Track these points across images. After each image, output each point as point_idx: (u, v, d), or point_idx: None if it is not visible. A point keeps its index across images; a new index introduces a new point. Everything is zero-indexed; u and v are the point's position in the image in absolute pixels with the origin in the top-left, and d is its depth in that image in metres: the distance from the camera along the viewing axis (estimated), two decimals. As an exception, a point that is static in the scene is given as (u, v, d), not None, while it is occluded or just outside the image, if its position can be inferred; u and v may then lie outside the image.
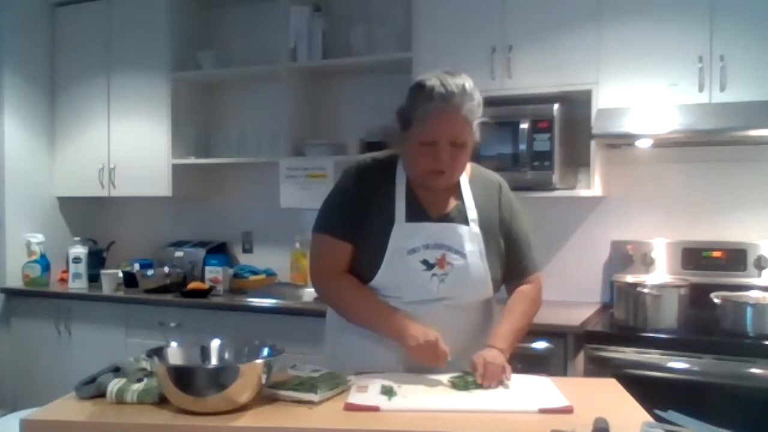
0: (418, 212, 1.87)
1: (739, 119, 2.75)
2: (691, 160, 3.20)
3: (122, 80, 4.09)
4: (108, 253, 4.31)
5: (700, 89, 2.85)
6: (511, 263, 1.95)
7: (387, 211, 1.86)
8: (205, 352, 1.68)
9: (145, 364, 1.64)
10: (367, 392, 1.62)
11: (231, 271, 3.84)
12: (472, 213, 1.89)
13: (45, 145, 4.28)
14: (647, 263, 3.17)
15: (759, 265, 2.99)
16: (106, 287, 3.86)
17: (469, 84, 1.79)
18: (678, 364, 2.58)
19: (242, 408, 1.51)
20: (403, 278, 1.83)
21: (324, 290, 1.95)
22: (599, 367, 2.66)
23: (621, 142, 3.12)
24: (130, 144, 4.07)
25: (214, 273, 3.74)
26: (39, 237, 4.10)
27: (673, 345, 2.61)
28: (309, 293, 3.61)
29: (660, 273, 3.12)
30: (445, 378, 1.73)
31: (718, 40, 2.83)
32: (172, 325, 3.51)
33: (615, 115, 2.95)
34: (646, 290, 2.76)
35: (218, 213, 4.23)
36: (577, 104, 3.16)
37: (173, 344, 1.66)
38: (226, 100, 4.22)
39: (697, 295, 2.81)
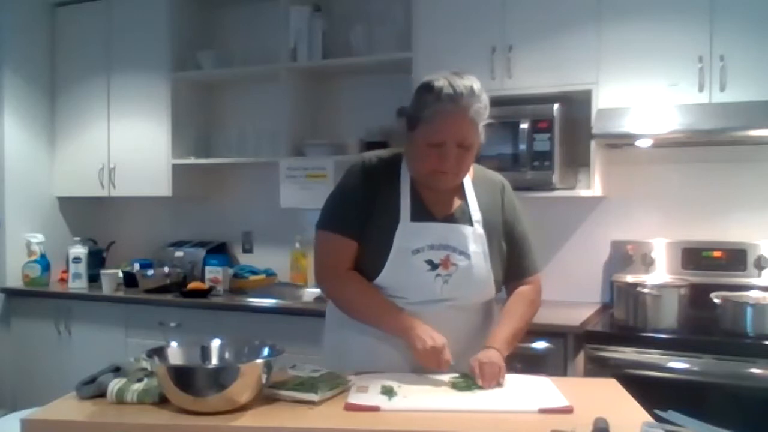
0: (422, 212, 1.86)
1: (739, 119, 2.75)
2: (691, 160, 3.20)
3: (122, 80, 4.09)
4: (108, 253, 4.31)
5: (700, 89, 2.85)
6: (512, 264, 1.95)
7: (392, 210, 1.85)
8: (205, 352, 1.68)
9: (146, 364, 1.64)
10: (368, 392, 1.62)
11: (231, 271, 3.84)
12: (476, 214, 1.89)
13: (45, 145, 4.28)
14: (647, 263, 3.17)
15: (759, 265, 2.99)
16: (106, 287, 3.86)
17: (477, 85, 1.78)
18: (678, 364, 2.57)
19: (242, 408, 1.51)
20: (406, 278, 1.82)
21: (329, 287, 1.94)
22: (599, 367, 2.66)
23: (621, 142, 3.12)
24: (130, 144, 4.07)
25: (214, 273, 3.74)
26: (39, 237, 4.09)
27: (673, 345, 2.61)
28: (309, 293, 3.61)
29: (660, 273, 3.12)
30: (446, 378, 1.73)
31: (718, 40, 2.83)
32: (172, 325, 3.51)
33: (615, 115, 2.95)
34: (646, 290, 2.76)
35: (218, 213, 4.23)
36: (577, 104, 3.16)
37: (173, 344, 1.67)
38: (226, 100, 4.22)
39: (697, 295, 2.81)
